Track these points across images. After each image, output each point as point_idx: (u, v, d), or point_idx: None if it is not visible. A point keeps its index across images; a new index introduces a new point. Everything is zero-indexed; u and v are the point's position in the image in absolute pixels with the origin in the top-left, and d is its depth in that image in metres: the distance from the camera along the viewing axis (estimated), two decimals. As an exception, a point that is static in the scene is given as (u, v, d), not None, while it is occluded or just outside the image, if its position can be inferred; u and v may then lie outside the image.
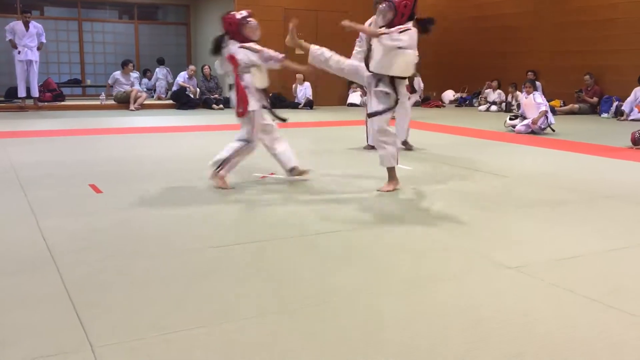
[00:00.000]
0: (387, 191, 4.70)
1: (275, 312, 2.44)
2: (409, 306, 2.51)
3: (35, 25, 11.45)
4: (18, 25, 11.25)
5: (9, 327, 2.25)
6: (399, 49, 4.46)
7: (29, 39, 11.28)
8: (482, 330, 2.28)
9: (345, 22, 4.57)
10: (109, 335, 2.19)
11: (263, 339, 2.19)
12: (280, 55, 4.76)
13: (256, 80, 4.77)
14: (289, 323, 2.34)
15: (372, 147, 6.95)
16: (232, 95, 4.84)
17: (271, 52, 4.74)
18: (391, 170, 4.78)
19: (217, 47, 4.76)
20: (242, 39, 4.74)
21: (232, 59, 4.72)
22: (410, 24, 4.56)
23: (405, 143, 7.05)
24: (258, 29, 4.84)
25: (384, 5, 4.58)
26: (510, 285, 2.76)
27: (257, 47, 4.74)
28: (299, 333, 2.25)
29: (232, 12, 4.83)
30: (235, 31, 4.74)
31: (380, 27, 4.64)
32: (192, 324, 2.31)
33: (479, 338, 2.21)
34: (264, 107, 4.89)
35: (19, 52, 11.23)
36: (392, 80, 4.59)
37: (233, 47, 4.71)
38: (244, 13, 4.78)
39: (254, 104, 4.74)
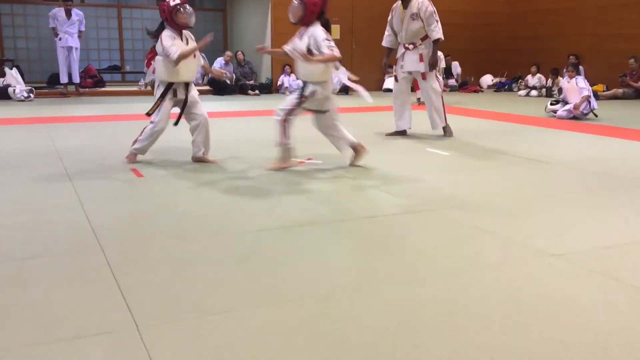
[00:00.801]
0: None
1: (314, 295, 2.46)
2: (448, 293, 2.49)
3: (77, 13, 11.66)
4: (60, 12, 11.47)
5: (57, 306, 2.32)
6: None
7: (71, 26, 11.50)
8: (523, 318, 2.25)
9: (259, 46, 5.04)
10: (153, 315, 2.24)
11: (303, 322, 2.21)
12: (175, 56, 4.81)
13: (162, 70, 4.97)
14: (329, 307, 2.35)
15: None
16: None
17: (170, 50, 4.80)
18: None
19: (157, 34, 4.98)
20: (175, 25, 4.94)
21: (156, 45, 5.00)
22: (318, 24, 4.69)
23: (444, 129, 6.95)
24: (192, 16, 4.97)
25: (295, 2, 4.71)
26: (552, 273, 2.72)
27: (168, 41, 4.85)
28: (338, 317, 2.26)
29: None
30: (168, 18, 4.92)
31: (293, 23, 4.81)
32: (235, 306, 2.34)
33: (520, 326, 2.18)
34: (175, 97, 5.06)
35: (60, 39, 11.47)
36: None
37: (163, 34, 4.92)
38: (177, 0, 4.90)
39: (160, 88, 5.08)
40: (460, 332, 2.14)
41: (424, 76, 6.77)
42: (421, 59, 6.71)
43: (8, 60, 12.85)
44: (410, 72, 6.87)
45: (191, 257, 2.90)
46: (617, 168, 5.14)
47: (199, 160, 5.21)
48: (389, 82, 14.20)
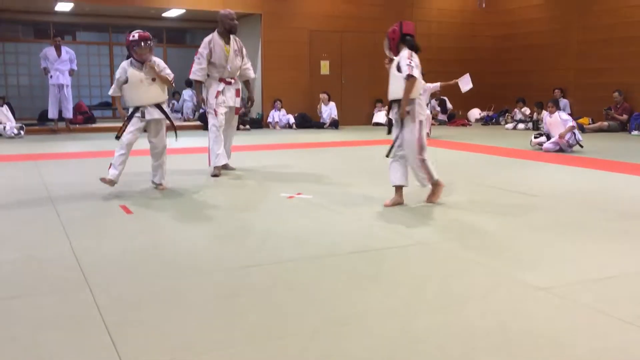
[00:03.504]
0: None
1: (304, 333, 2.45)
2: (437, 327, 2.49)
3: (67, 51, 11.76)
4: (50, 50, 11.57)
5: (44, 347, 2.30)
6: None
7: (61, 64, 11.59)
8: (511, 352, 2.25)
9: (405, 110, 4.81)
10: (141, 355, 2.22)
11: (291, 359, 2.20)
12: (110, 91, 5.70)
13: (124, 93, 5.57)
14: (320, 344, 2.34)
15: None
16: None
17: (114, 84, 5.57)
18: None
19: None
20: (134, 57, 5.48)
21: None
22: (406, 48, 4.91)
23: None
24: (148, 51, 5.46)
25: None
26: (540, 307, 2.73)
27: (116, 73, 5.56)
28: (330, 354, 2.25)
29: (133, 32, 5.45)
30: (129, 50, 5.49)
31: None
32: (223, 344, 2.33)
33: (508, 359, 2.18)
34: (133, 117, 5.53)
35: (51, 77, 11.56)
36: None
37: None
38: (135, 36, 5.41)
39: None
40: (449, 367, 2.14)
41: (237, 111, 6.95)
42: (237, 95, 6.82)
43: (-1, 97, 12.89)
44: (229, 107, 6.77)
45: (180, 295, 2.88)
46: (603, 200, 5.19)
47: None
48: (378, 116, 14.37)
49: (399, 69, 4.81)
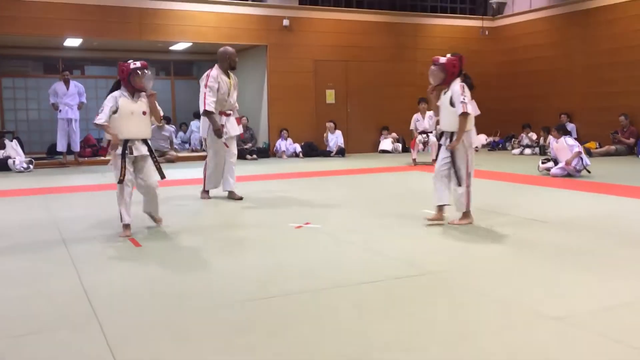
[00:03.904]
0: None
1: (315, 366, 2.43)
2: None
3: (76, 85, 11.91)
4: (59, 85, 11.73)
5: (54, 384, 2.28)
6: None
7: (70, 98, 11.73)
8: (527, 384, 2.22)
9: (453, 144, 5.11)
10: (151, 392, 2.20)
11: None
12: (96, 121, 4.95)
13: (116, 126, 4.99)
14: (330, 378, 2.32)
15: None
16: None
17: (99, 114, 4.95)
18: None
19: (110, 92, 5.08)
20: (131, 87, 5.03)
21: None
22: (458, 80, 5.18)
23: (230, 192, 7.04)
24: (150, 80, 5.08)
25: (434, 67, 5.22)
26: (554, 337, 2.69)
27: (107, 102, 4.98)
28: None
29: (129, 61, 5.06)
30: (125, 79, 5.02)
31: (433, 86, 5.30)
32: (233, 380, 2.30)
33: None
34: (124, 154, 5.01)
35: (60, 111, 11.70)
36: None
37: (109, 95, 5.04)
38: (137, 64, 5.01)
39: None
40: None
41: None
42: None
43: (8, 132, 13.03)
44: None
45: (189, 330, 2.87)
46: (613, 225, 5.16)
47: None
48: (385, 144, 14.41)
49: (452, 104, 5.05)
